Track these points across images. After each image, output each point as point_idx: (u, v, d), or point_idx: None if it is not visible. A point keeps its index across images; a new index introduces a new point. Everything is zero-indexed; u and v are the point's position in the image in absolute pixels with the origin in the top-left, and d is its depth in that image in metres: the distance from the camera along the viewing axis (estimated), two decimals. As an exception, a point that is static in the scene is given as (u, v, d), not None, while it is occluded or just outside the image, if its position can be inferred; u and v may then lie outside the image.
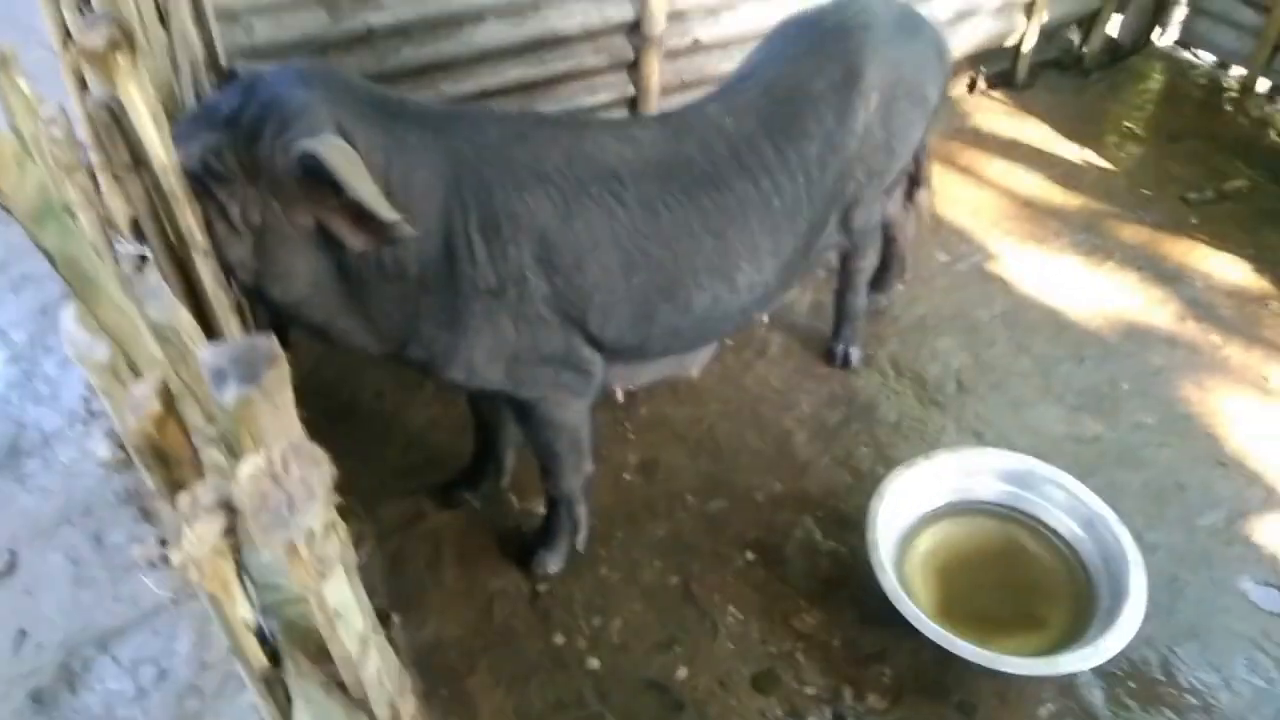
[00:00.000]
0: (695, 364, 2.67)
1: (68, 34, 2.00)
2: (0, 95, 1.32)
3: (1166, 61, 5.04)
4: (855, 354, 3.27)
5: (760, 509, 2.85)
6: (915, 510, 2.65)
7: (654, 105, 3.75)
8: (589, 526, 2.69)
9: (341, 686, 1.17)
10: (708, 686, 2.44)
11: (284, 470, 0.79)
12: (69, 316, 1.07)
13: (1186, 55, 5.05)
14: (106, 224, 1.67)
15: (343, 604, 1.02)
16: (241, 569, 1.05)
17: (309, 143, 1.76)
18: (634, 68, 3.67)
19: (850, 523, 2.74)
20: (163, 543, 2.44)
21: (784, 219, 2.39)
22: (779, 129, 2.37)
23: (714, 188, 2.26)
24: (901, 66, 2.54)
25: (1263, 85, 4.68)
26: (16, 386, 2.97)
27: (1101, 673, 2.44)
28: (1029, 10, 4.48)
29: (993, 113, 4.61)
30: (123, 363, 1.09)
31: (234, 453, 1.19)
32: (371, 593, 1.24)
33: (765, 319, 3.32)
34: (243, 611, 1.07)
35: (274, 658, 1.16)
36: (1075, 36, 4.91)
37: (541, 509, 2.69)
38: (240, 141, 1.80)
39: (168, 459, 0.96)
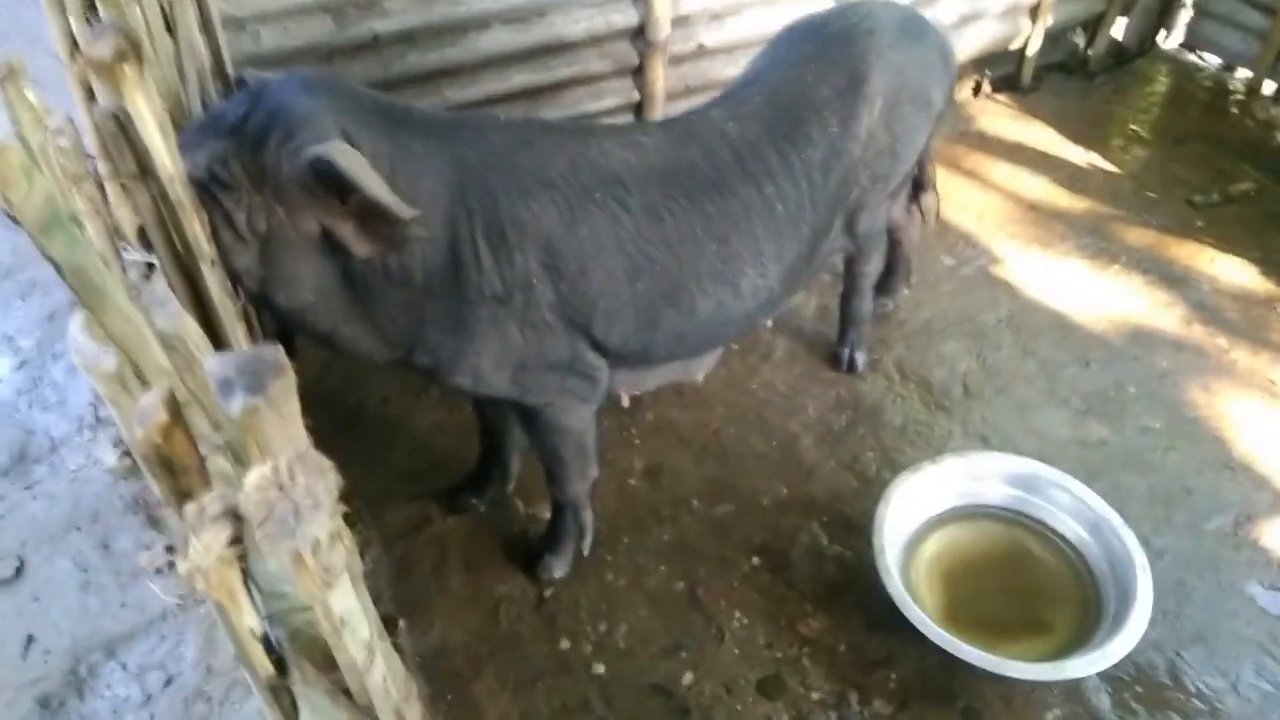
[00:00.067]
0: (700, 369, 2.68)
1: (75, 44, 2.01)
2: (8, 105, 1.33)
3: (1172, 64, 5.02)
4: (861, 358, 3.27)
5: (766, 514, 2.85)
6: (921, 515, 2.64)
7: (659, 111, 3.76)
8: (594, 531, 2.69)
9: (347, 693, 1.18)
10: (713, 692, 2.44)
11: (290, 480, 0.80)
12: (76, 325, 1.08)
13: (1192, 58, 5.03)
14: (114, 233, 1.68)
15: (348, 612, 1.02)
16: (248, 577, 1.06)
17: (320, 148, 1.77)
18: (639, 73, 3.68)
19: (856, 527, 2.74)
20: (170, 549, 2.45)
21: (788, 224, 2.39)
22: (783, 134, 2.37)
23: (718, 193, 2.27)
24: (906, 71, 2.54)
25: (1268, 87, 4.67)
26: (24, 393, 2.98)
27: (1108, 677, 2.44)
28: (1034, 14, 4.48)
29: (998, 116, 4.60)
30: (130, 372, 1.09)
31: (240, 461, 1.20)
32: (377, 598, 1.25)
33: (770, 323, 3.32)
34: (249, 619, 1.08)
35: (280, 665, 1.17)
36: (1080, 40, 4.90)
37: (547, 514, 2.69)
38: (246, 149, 1.81)
39: (174, 467, 0.96)
